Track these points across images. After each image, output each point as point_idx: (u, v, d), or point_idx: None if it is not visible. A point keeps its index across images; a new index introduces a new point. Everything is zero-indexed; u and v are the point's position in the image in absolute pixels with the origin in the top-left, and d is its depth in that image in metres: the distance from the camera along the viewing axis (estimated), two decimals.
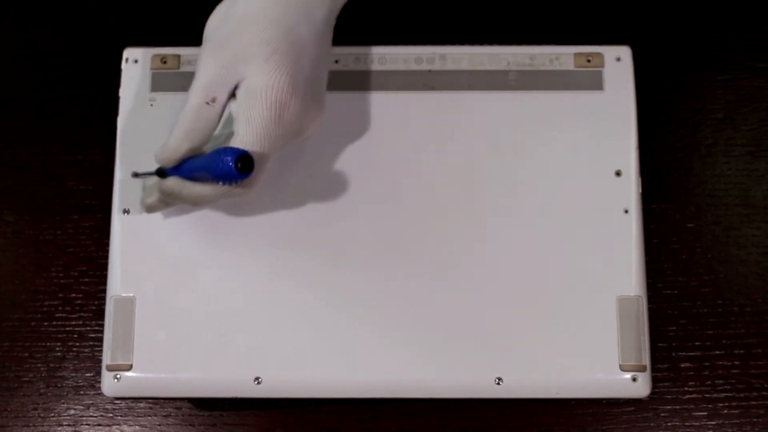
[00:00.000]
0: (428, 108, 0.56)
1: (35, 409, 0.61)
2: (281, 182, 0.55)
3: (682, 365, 0.61)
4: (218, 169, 0.47)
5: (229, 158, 0.46)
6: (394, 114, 0.56)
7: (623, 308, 0.54)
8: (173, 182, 0.50)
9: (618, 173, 0.55)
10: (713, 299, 0.61)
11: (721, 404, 0.60)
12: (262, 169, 0.49)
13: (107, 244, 0.55)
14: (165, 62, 0.57)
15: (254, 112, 0.48)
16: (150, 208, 0.53)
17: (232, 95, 0.49)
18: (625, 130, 0.56)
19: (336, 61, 0.57)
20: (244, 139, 0.48)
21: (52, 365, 0.61)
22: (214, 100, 0.49)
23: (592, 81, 0.57)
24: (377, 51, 0.57)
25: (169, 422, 0.60)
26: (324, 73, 0.52)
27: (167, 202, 0.52)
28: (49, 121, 0.65)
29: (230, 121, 0.50)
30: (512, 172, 0.55)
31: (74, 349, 0.61)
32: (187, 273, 0.54)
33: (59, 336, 0.61)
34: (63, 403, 0.61)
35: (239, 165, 0.47)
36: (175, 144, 0.49)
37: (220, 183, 0.48)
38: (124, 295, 0.54)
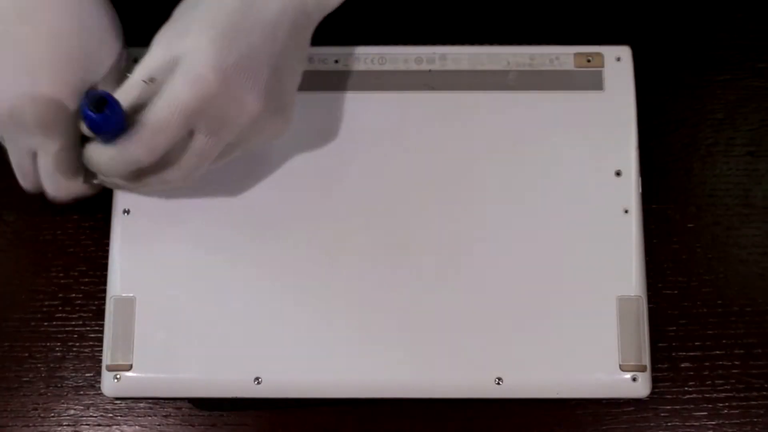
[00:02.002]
0: (428, 108, 0.56)
1: (35, 409, 0.61)
2: (281, 182, 0.55)
3: (682, 365, 0.61)
4: (85, 120, 0.47)
5: (85, 100, 0.47)
6: (394, 114, 0.56)
7: (623, 308, 0.54)
8: (87, 146, 0.50)
9: (618, 173, 0.55)
10: (713, 299, 0.61)
11: (721, 404, 0.60)
12: (161, 137, 0.47)
13: (107, 244, 0.55)
14: None
15: (173, 82, 0.47)
16: (103, 184, 0.53)
17: None
18: (625, 130, 0.56)
19: (336, 61, 0.57)
20: (155, 100, 0.47)
21: (52, 365, 0.61)
22: (152, 80, 0.48)
23: (592, 81, 0.57)
24: (377, 51, 0.57)
25: (169, 422, 0.60)
26: (281, 71, 0.50)
27: (101, 179, 0.52)
28: None
29: None
30: (512, 172, 0.55)
31: (74, 349, 0.61)
32: (187, 273, 0.54)
33: (59, 336, 0.61)
34: (63, 403, 0.61)
35: (91, 104, 0.46)
36: None
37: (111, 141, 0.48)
38: (124, 295, 0.54)
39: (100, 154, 0.49)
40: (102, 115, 0.46)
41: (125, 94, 0.48)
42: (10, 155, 0.52)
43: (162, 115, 0.47)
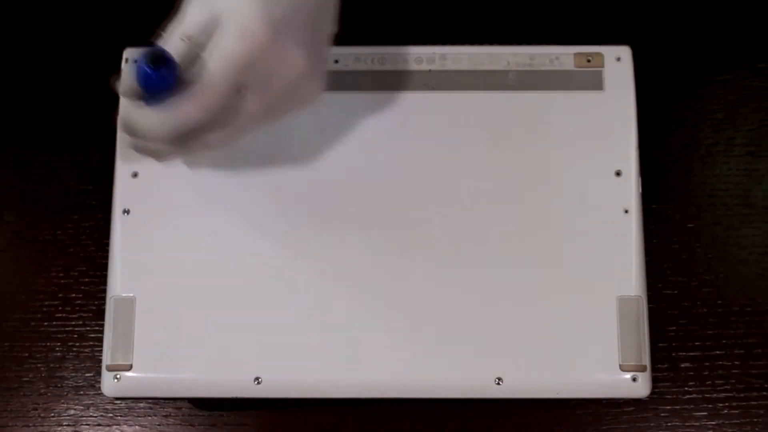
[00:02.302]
0: (428, 108, 0.56)
1: (35, 409, 0.61)
2: (281, 182, 0.55)
3: (682, 365, 0.61)
4: (138, 75, 0.45)
5: (141, 56, 0.44)
6: (394, 114, 0.56)
7: (623, 308, 0.54)
8: (127, 110, 0.48)
9: (618, 173, 0.55)
10: (713, 299, 0.61)
11: (721, 404, 0.60)
12: (214, 94, 0.46)
13: (107, 244, 0.55)
14: None
15: (222, 38, 0.46)
16: (129, 147, 0.50)
17: None
18: (625, 130, 0.56)
19: (336, 61, 0.57)
20: (205, 57, 0.46)
21: (52, 365, 0.61)
22: (189, 37, 0.46)
23: (592, 81, 0.57)
24: (377, 51, 0.57)
25: (169, 422, 0.60)
26: (319, 24, 0.49)
27: (134, 143, 0.49)
28: (49, 121, 0.65)
29: None
30: (512, 172, 0.55)
31: (74, 349, 0.61)
32: (187, 273, 0.54)
33: (59, 336, 0.61)
34: (63, 403, 0.61)
35: (149, 59, 0.44)
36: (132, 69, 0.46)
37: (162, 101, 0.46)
38: (124, 295, 0.54)
39: (149, 117, 0.46)
40: (159, 73, 0.44)
41: (171, 51, 0.47)
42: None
43: (216, 71, 0.46)
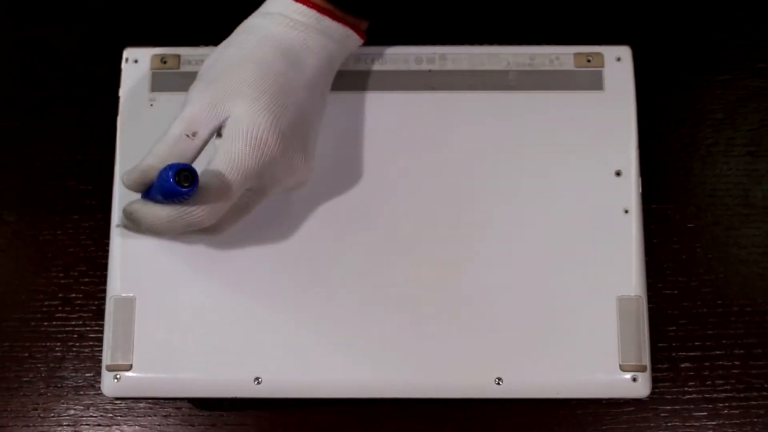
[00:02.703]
0: (428, 108, 0.56)
1: (35, 409, 0.61)
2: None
3: (682, 365, 0.61)
4: (162, 185, 0.46)
5: (170, 172, 0.45)
6: (394, 114, 0.56)
7: (623, 308, 0.54)
8: (134, 202, 0.49)
9: (618, 173, 0.55)
10: (713, 299, 0.61)
11: (721, 404, 0.60)
12: (224, 201, 0.47)
13: (107, 244, 0.55)
14: (165, 62, 0.57)
15: (235, 145, 0.47)
16: (125, 228, 0.52)
17: (217, 134, 0.49)
18: (625, 130, 0.56)
19: None
20: (218, 164, 0.47)
21: (52, 365, 0.61)
22: (195, 134, 0.48)
23: (593, 81, 0.57)
24: (377, 51, 0.57)
25: (169, 422, 0.60)
26: (314, 126, 0.52)
27: (134, 228, 0.50)
28: (49, 121, 0.65)
29: None
30: (512, 172, 0.55)
31: (74, 349, 0.61)
32: (187, 273, 0.54)
33: (59, 336, 0.61)
34: (63, 403, 0.61)
35: (179, 178, 0.45)
36: (144, 167, 0.48)
37: (173, 203, 0.47)
38: (124, 295, 0.54)
39: (157, 216, 0.48)
40: (184, 189, 0.45)
41: (170, 148, 0.48)
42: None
43: (230, 181, 0.47)
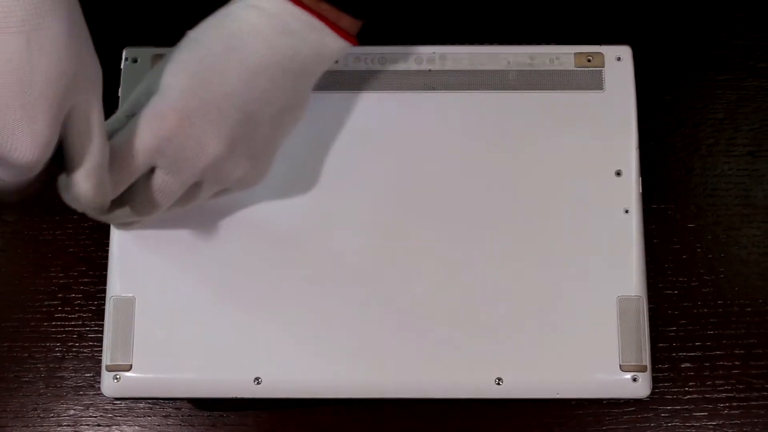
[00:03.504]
0: (428, 108, 0.56)
1: (35, 409, 0.61)
2: (281, 182, 0.55)
3: (683, 365, 0.61)
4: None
5: None
6: (394, 114, 0.56)
7: (624, 308, 0.54)
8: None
9: (618, 173, 0.55)
10: (714, 299, 0.61)
11: (721, 404, 0.60)
12: (119, 176, 0.47)
13: (107, 244, 0.55)
14: None
15: (137, 120, 0.47)
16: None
17: None
18: (626, 130, 0.56)
19: (336, 61, 0.57)
20: (116, 140, 0.46)
21: (51, 365, 0.61)
22: (133, 115, 0.48)
23: (593, 81, 0.57)
24: (377, 51, 0.57)
25: (169, 422, 0.60)
26: (262, 119, 0.49)
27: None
28: None
29: None
30: (512, 172, 0.55)
31: (74, 349, 0.61)
32: (187, 273, 0.54)
33: (59, 336, 0.61)
34: (62, 404, 0.61)
35: None
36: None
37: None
38: (123, 295, 0.54)
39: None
40: None
41: (108, 127, 0.47)
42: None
43: (121, 151, 0.47)
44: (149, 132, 0.47)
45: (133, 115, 0.47)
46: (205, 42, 0.48)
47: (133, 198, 0.49)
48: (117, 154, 0.46)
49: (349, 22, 0.50)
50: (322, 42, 0.49)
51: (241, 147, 0.49)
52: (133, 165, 0.47)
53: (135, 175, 0.47)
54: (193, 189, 0.50)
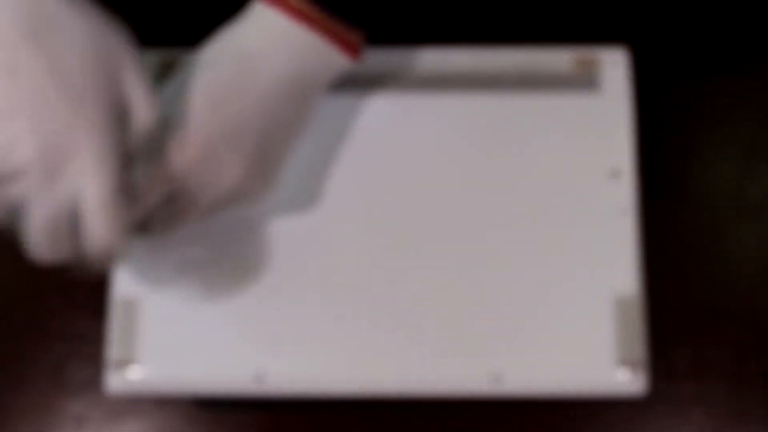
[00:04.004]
0: (425, 109, 0.56)
1: (39, 407, 0.61)
2: (281, 181, 0.55)
3: (678, 363, 0.61)
4: None
5: None
6: (393, 114, 0.57)
7: (620, 307, 0.54)
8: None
9: (615, 174, 0.55)
10: (709, 298, 0.61)
11: (717, 402, 0.60)
12: (144, 201, 0.47)
13: None
14: (165, 62, 0.57)
15: (159, 149, 0.47)
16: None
17: None
18: (623, 131, 0.56)
19: None
20: (140, 168, 0.47)
21: (55, 363, 0.61)
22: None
23: (589, 82, 0.57)
24: (376, 51, 0.57)
25: (173, 420, 0.60)
26: (273, 139, 0.50)
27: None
28: None
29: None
30: (510, 173, 0.56)
31: (78, 346, 0.61)
32: (190, 272, 0.55)
33: (63, 334, 0.62)
34: (66, 401, 0.61)
35: None
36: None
37: None
38: (128, 293, 0.54)
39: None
40: None
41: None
42: (37, 220, 0.44)
43: (145, 179, 0.47)
44: (171, 160, 0.47)
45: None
46: (217, 65, 0.49)
47: (148, 225, 0.49)
48: (141, 183, 0.47)
49: (354, 38, 0.51)
50: (329, 59, 0.50)
51: (255, 168, 0.50)
52: (152, 192, 0.48)
53: (152, 202, 0.48)
54: (205, 209, 0.51)
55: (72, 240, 0.44)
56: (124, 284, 0.55)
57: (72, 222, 0.44)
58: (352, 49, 0.51)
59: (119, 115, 0.44)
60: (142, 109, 0.45)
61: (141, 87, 0.45)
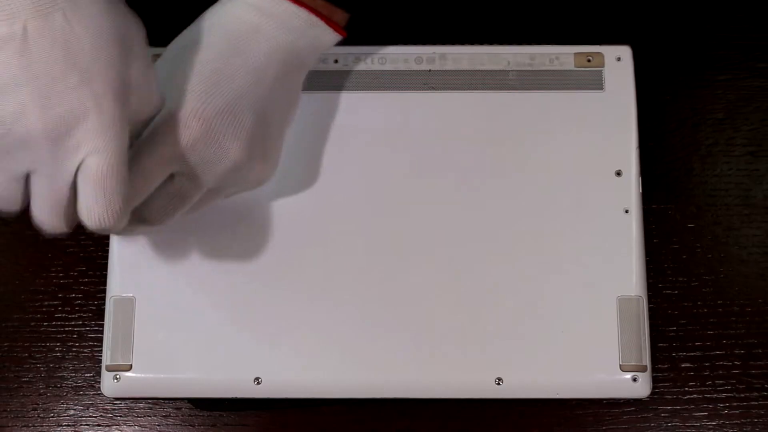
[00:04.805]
0: (428, 108, 0.56)
1: (35, 409, 0.61)
2: (280, 182, 0.55)
3: (683, 365, 0.61)
4: None
5: None
6: (394, 114, 0.56)
7: (624, 308, 0.54)
8: None
9: (618, 173, 0.55)
10: (714, 299, 0.61)
11: (721, 404, 0.60)
12: (141, 186, 0.47)
13: (107, 244, 0.55)
14: None
15: (157, 130, 0.47)
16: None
17: None
18: (626, 130, 0.56)
19: (335, 61, 0.57)
20: (138, 151, 0.46)
21: (51, 365, 0.61)
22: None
23: (593, 81, 0.56)
24: (377, 51, 0.57)
25: (169, 422, 0.60)
26: (270, 117, 0.50)
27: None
28: None
29: None
30: (512, 172, 0.55)
31: (74, 349, 0.61)
32: (186, 273, 0.54)
33: (59, 336, 0.61)
34: (62, 404, 0.61)
35: None
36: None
37: None
38: (123, 295, 0.54)
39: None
40: None
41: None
42: (42, 191, 0.44)
43: (145, 162, 0.47)
44: (172, 139, 0.47)
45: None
46: (208, 44, 0.49)
47: (149, 206, 0.49)
48: (138, 163, 0.46)
49: (340, 16, 0.51)
50: (318, 37, 0.50)
51: (256, 148, 0.49)
52: (154, 173, 0.47)
53: (155, 184, 0.47)
54: (208, 193, 0.50)
55: (76, 211, 0.44)
56: (119, 286, 0.54)
57: (76, 194, 0.44)
58: (336, 25, 0.51)
59: (126, 94, 0.43)
60: (147, 95, 0.45)
61: (149, 73, 0.45)
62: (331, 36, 0.51)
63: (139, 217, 0.49)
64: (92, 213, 0.43)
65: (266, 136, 0.50)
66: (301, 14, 0.49)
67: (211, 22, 0.50)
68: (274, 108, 0.50)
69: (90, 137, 0.42)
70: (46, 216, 0.44)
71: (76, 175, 0.43)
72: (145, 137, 0.47)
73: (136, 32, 0.44)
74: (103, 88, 0.42)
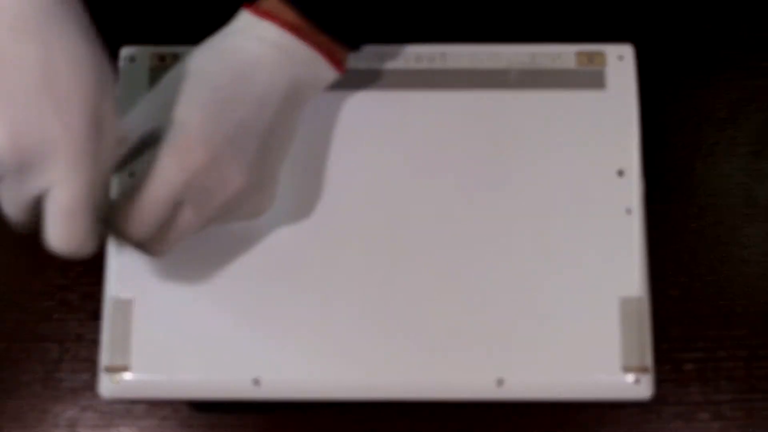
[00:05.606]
0: (428, 107, 0.56)
1: (32, 411, 0.61)
2: (281, 182, 0.55)
3: (685, 367, 0.61)
4: None
5: None
6: (394, 114, 0.56)
7: (625, 309, 0.53)
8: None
9: (620, 173, 0.55)
10: (716, 300, 0.61)
11: (724, 406, 0.60)
12: (149, 218, 0.48)
13: (105, 245, 0.55)
14: (163, 60, 0.57)
15: (163, 158, 0.47)
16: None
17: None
18: (628, 130, 0.56)
19: None
20: (145, 182, 0.47)
21: (49, 367, 0.61)
22: (123, 140, 0.48)
23: (594, 80, 0.56)
24: (377, 50, 0.57)
25: (167, 424, 0.60)
26: (269, 146, 0.50)
27: None
28: None
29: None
30: (513, 172, 0.55)
31: (72, 350, 0.61)
32: (185, 274, 0.54)
33: (56, 337, 0.61)
34: (60, 405, 0.61)
35: None
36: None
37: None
38: (122, 296, 0.54)
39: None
40: None
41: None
42: (5, 202, 0.46)
43: (149, 189, 0.47)
44: (177, 166, 0.47)
45: (132, 174, 0.49)
46: (212, 73, 0.49)
47: (149, 244, 0.49)
48: (142, 191, 0.47)
49: (341, 54, 0.52)
50: (318, 72, 0.51)
51: (256, 177, 0.50)
52: (163, 204, 0.47)
53: (158, 214, 0.48)
54: (209, 221, 0.50)
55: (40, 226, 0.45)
56: (117, 287, 0.54)
57: (39, 212, 0.45)
58: (337, 63, 0.52)
59: (100, 128, 0.43)
60: (114, 131, 0.45)
61: (114, 111, 0.45)
62: (330, 73, 0.52)
63: (140, 246, 0.49)
64: (54, 239, 0.45)
65: (265, 165, 0.50)
66: (303, 49, 0.50)
67: (214, 52, 0.50)
68: (274, 138, 0.50)
69: (58, 168, 0.42)
70: (12, 216, 0.46)
71: (44, 198, 0.44)
72: (150, 168, 0.47)
73: (110, 71, 0.45)
74: (78, 120, 0.42)
